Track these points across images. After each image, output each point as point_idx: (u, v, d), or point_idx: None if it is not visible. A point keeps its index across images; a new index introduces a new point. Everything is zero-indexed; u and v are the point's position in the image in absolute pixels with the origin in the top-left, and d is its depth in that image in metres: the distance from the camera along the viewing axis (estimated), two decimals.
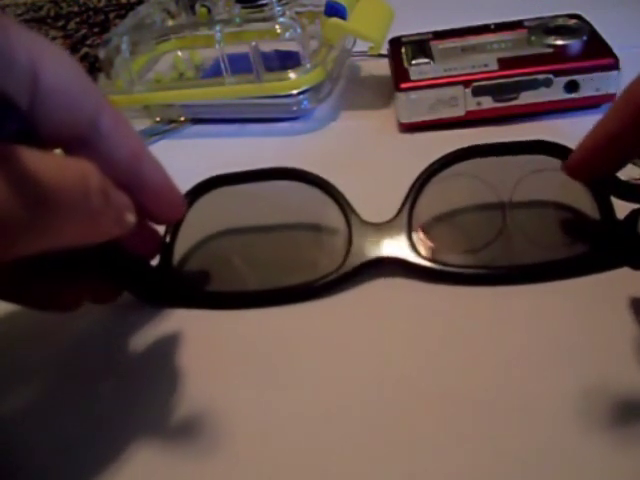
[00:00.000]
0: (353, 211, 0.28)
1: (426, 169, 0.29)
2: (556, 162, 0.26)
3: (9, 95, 0.17)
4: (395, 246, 0.27)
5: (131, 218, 0.21)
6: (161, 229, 0.29)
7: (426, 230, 0.28)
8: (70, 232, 0.18)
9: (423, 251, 0.27)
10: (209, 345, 0.27)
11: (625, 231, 0.26)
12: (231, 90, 0.41)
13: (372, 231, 0.28)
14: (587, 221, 0.28)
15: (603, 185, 0.26)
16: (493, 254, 0.27)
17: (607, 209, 0.27)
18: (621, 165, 0.24)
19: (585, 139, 0.23)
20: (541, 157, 0.28)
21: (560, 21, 0.39)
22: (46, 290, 0.25)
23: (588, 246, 0.27)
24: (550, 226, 0.28)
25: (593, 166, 0.24)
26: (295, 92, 0.40)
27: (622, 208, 0.26)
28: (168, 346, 0.27)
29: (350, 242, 0.28)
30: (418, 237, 0.28)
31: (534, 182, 0.28)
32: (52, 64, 0.20)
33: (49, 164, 0.17)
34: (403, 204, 0.28)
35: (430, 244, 0.28)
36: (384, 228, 0.28)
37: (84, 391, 0.26)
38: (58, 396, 0.26)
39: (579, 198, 0.28)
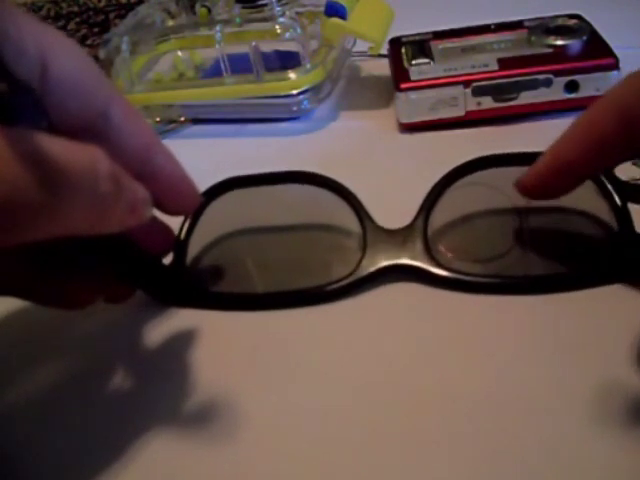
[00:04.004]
0: (368, 217, 0.28)
1: (443, 178, 0.28)
2: None
3: (32, 87, 0.17)
4: (410, 253, 0.27)
5: (147, 210, 0.21)
6: (174, 227, 0.29)
7: (441, 238, 0.28)
8: (80, 217, 0.18)
9: (438, 259, 0.27)
10: (220, 345, 0.27)
11: None
12: (231, 90, 0.41)
13: (387, 237, 0.28)
14: (605, 232, 0.27)
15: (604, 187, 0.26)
16: (509, 264, 0.27)
17: (625, 220, 0.26)
18: (576, 186, 0.23)
19: (541, 162, 0.23)
20: None
21: (560, 21, 0.39)
22: (59, 287, 0.25)
23: (606, 257, 0.26)
24: (567, 237, 0.28)
25: (548, 188, 0.24)
26: (295, 92, 0.40)
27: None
28: (179, 346, 0.27)
29: (364, 247, 0.28)
30: (433, 245, 0.28)
31: None
32: (61, 54, 0.20)
33: (58, 146, 0.17)
34: (419, 211, 0.28)
35: (445, 252, 0.28)
36: (399, 234, 0.28)
37: (93, 389, 0.26)
38: (69, 392, 0.26)
39: (597, 209, 0.27)
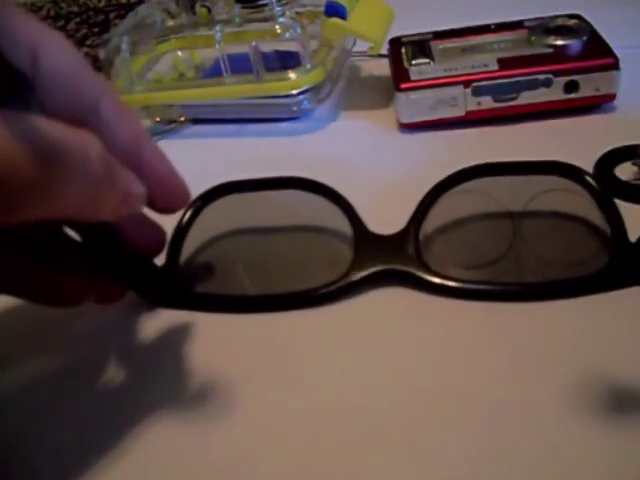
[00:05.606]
0: (361, 222, 0.28)
1: (436, 185, 0.28)
2: (569, 183, 0.27)
3: (26, 75, 0.17)
4: (401, 259, 0.27)
5: (140, 199, 0.21)
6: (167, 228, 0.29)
7: (434, 244, 0.28)
8: (74, 200, 0.18)
9: (430, 265, 0.27)
10: (211, 347, 0.27)
11: (638, 251, 0.25)
12: (231, 90, 0.41)
13: (379, 243, 0.28)
14: (598, 240, 0.27)
15: (604, 186, 0.26)
16: (500, 271, 0.27)
17: (619, 229, 0.26)
18: None
19: None
20: (554, 177, 0.27)
21: (560, 21, 0.39)
22: (49, 284, 0.25)
23: (599, 265, 0.26)
24: (561, 245, 0.28)
25: None
26: (295, 92, 0.40)
27: (635, 228, 0.26)
28: (170, 348, 0.27)
29: (356, 252, 0.28)
30: (425, 251, 0.27)
31: (546, 201, 0.28)
32: (52, 47, 0.21)
33: (52, 126, 0.17)
34: (412, 217, 0.28)
35: (437, 258, 0.27)
36: (391, 240, 0.28)
37: (83, 391, 0.26)
38: (61, 393, 0.26)
39: (590, 218, 0.27)
